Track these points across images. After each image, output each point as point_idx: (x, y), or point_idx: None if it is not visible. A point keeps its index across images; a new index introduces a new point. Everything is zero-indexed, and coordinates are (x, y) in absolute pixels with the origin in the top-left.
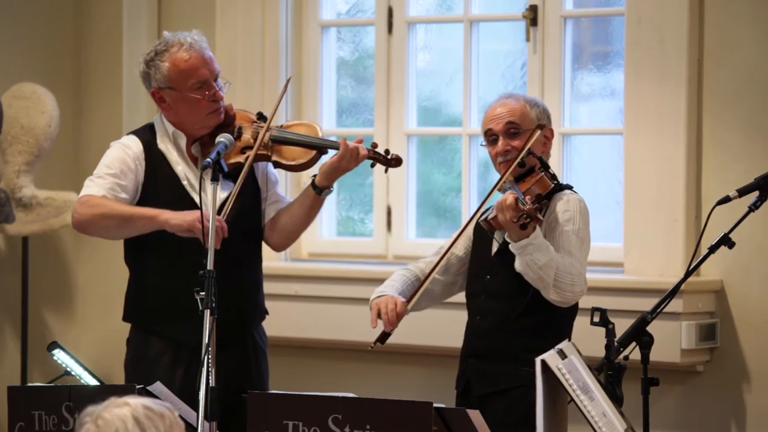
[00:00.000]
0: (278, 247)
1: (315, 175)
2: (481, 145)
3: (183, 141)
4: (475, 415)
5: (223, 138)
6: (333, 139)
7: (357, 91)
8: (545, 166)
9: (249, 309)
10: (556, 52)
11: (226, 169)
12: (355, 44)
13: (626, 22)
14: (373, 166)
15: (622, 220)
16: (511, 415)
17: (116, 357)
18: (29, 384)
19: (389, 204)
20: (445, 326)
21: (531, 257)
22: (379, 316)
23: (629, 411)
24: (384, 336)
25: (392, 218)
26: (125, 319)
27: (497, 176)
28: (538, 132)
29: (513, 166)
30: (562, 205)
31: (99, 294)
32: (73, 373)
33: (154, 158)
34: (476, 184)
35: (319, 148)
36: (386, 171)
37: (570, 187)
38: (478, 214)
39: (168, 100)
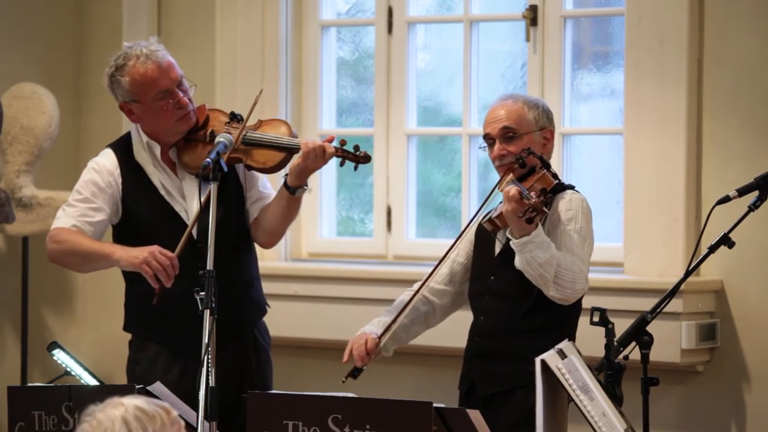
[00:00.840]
0: (266, 245)
1: (287, 175)
2: (480, 147)
3: (158, 150)
4: (475, 415)
5: (222, 138)
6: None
7: (357, 91)
8: (546, 165)
9: (245, 307)
10: (556, 52)
11: (225, 169)
12: (355, 44)
13: (626, 22)
14: (342, 164)
15: (622, 220)
16: (517, 414)
17: (116, 357)
18: (29, 384)
19: (389, 204)
20: (445, 327)
21: (531, 254)
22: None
23: (629, 411)
24: (355, 371)
25: (392, 218)
26: (125, 329)
27: (497, 176)
28: (513, 170)
29: (512, 174)
30: (565, 204)
31: (99, 294)
32: (73, 373)
33: (131, 171)
34: (476, 184)
35: (288, 149)
36: (355, 168)
37: (572, 187)
38: (478, 217)
39: (136, 112)
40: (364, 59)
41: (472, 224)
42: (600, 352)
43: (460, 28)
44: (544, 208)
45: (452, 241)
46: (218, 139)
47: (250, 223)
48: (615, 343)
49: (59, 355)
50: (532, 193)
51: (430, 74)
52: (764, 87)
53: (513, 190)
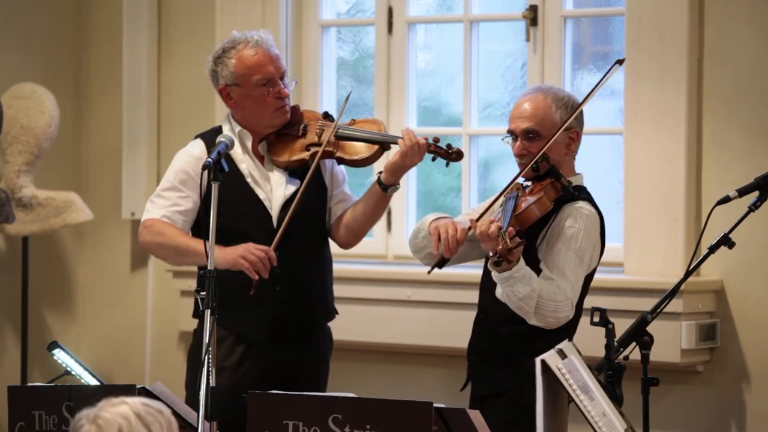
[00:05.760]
0: (345, 245)
1: (380, 172)
2: (503, 139)
3: (249, 141)
4: (476, 415)
5: (223, 138)
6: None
7: (357, 91)
8: (557, 176)
9: (314, 305)
10: (556, 52)
11: (226, 169)
12: (355, 44)
13: (626, 22)
14: (434, 159)
15: (622, 220)
16: (505, 417)
17: (116, 357)
18: (29, 384)
19: (389, 204)
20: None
21: (511, 289)
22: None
23: (629, 411)
24: (442, 261)
25: (392, 218)
26: (195, 315)
27: (497, 176)
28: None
29: (515, 181)
30: (570, 220)
31: (99, 294)
32: (73, 373)
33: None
34: (476, 184)
35: (382, 143)
36: (447, 165)
37: (586, 196)
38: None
39: (234, 97)
40: (364, 59)
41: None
42: (600, 352)
43: (460, 28)
44: (511, 257)
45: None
46: (219, 139)
47: (332, 222)
48: (615, 344)
49: (59, 355)
50: (510, 231)
51: (430, 74)
52: (764, 87)
53: (494, 228)
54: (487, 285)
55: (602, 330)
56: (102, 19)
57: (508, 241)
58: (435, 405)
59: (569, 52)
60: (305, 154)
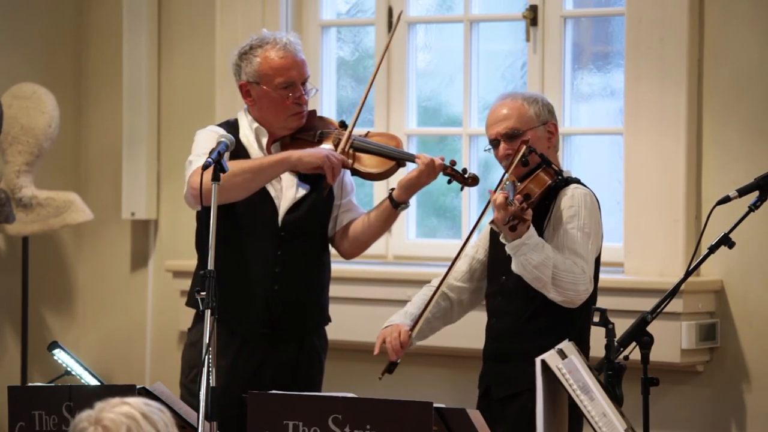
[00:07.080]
0: (347, 255)
1: (393, 189)
2: (485, 150)
3: (265, 138)
4: (476, 415)
5: (223, 138)
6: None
7: (357, 91)
8: (547, 163)
9: (310, 307)
10: (556, 52)
11: (227, 169)
12: (355, 44)
13: (626, 22)
14: (450, 182)
15: (622, 220)
16: (527, 416)
17: (116, 357)
18: (29, 384)
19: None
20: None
21: (525, 257)
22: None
23: (629, 411)
24: (391, 366)
25: None
26: (188, 303)
27: (497, 176)
28: (524, 148)
29: (508, 175)
30: (567, 201)
31: (99, 294)
32: (73, 373)
33: (235, 148)
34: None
35: (398, 159)
36: (462, 189)
37: (577, 180)
38: (484, 217)
39: (253, 95)
40: (364, 59)
41: (480, 224)
42: (600, 352)
43: (460, 28)
44: (526, 216)
45: (454, 241)
46: (219, 139)
47: (336, 230)
48: (615, 343)
49: (59, 355)
50: (517, 200)
51: (430, 74)
52: (764, 87)
53: (499, 197)
54: (495, 290)
55: (602, 330)
56: (102, 19)
57: (517, 204)
58: (435, 405)
59: (569, 52)
60: None
